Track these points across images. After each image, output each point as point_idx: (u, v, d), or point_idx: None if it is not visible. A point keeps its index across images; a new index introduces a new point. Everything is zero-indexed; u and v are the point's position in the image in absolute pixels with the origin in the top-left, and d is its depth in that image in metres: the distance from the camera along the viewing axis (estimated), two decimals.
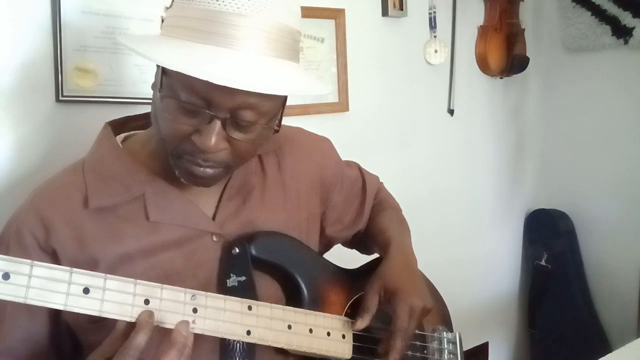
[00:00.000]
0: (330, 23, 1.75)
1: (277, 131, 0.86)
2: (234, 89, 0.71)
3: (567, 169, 2.46)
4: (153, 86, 0.84)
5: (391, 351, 0.93)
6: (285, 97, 0.86)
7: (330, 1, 1.74)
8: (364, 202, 1.18)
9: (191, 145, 0.79)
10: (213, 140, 0.76)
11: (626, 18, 2.16)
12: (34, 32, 1.20)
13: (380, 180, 1.26)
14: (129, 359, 0.69)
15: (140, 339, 0.70)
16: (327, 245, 1.17)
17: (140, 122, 0.99)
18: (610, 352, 1.27)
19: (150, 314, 0.73)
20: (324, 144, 1.14)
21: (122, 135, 0.96)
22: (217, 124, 0.76)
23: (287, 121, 0.99)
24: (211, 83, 0.70)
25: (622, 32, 2.18)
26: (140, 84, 1.31)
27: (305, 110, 1.68)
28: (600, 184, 2.35)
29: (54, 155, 1.21)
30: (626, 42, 2.18)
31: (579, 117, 2.39)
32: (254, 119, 0.78)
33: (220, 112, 0.76)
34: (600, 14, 2.22)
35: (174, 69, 0.71)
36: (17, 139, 1.20)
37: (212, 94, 0.74)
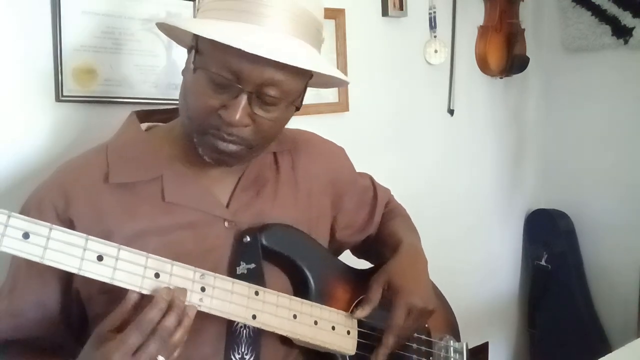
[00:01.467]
0: (330, 23, 1.75)
1: (298, 109, 0.91)
2: (263, 63, 0.77)
3: (567, 169, 2.46)
4: (184, 71, 0.89)
5: (380, 346, 0.95)
6: (307, 81, 0.90)
7: (330, 1, 1.74)
8: (375, 208, 1.20)
9: (217, 120, 0.83)
10: (239, 114, 0.81)
11: (626, 18, 2.16)
12: (34, 32, 1.20)
13: (391, 193, 1.28)
14: (143, 332, 0.72)
15: (155, 314, 0.73)
16: (337, 250, 1.19)
17: (164, 115, 1.04)
18: (610, 352, 1.26)
19: (170, 291, 0.76)
20: (338, 151, 1.18)
21: (145, 125, 1.00)
22: (244, 98, 0.81)
23: None
24: (243, 55, 0.76)
25: (622, 32, 2.18)
26: (140, 84, 1.31)
27: (305, 110, 1.64)
28: (600, 184, 2.35)
29: (53, 155, 1.21)
30: (626, 42, 2.18)
31: (579, 117, 2.39)
32: (278, 96, 0.83)
33: (248, 85, 0.81)
34: (600, 14, 2.21)
35: (210, 37, 0.76)
36: (17, 139, 1.20)
37: (243, 66, 0.79)
